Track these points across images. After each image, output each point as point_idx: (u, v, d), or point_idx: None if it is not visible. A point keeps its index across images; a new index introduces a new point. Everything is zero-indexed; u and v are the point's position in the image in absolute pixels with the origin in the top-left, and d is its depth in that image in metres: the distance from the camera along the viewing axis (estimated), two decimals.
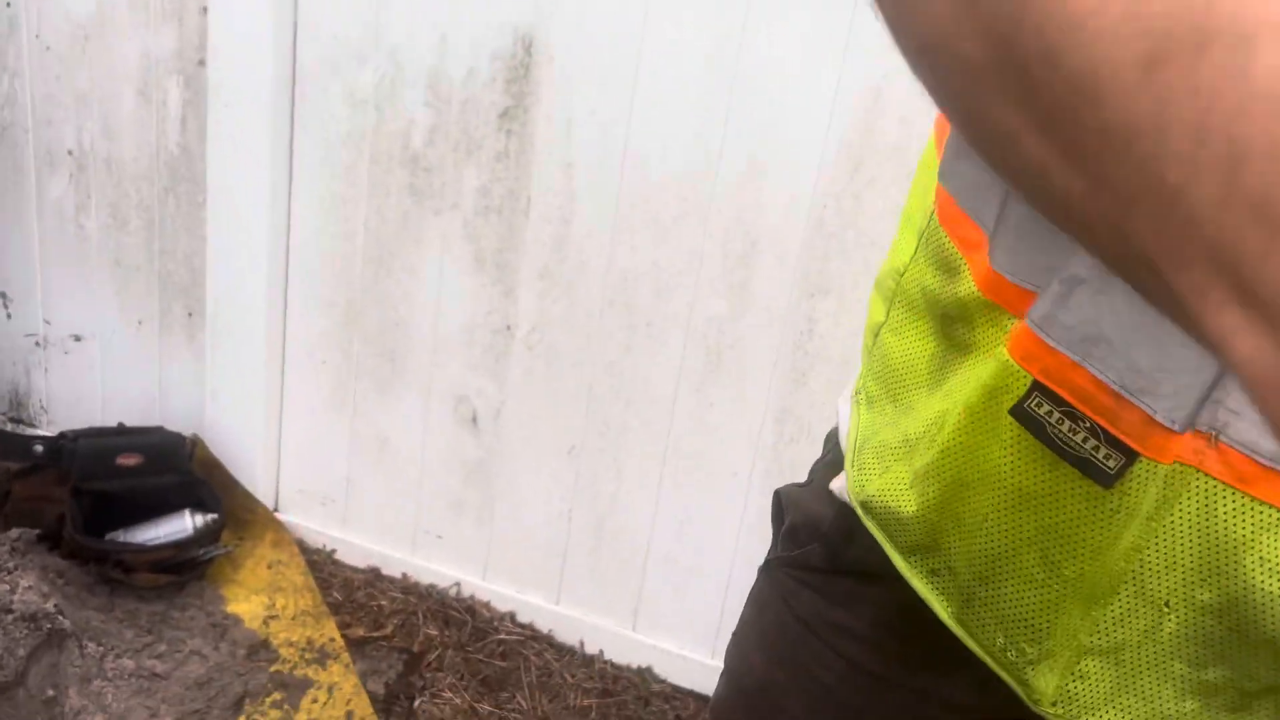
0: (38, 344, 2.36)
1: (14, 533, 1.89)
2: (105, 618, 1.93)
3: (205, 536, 2.03)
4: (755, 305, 1.75)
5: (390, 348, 2.04)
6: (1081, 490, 0.53)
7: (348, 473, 2.16)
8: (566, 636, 2.07)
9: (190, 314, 2.17)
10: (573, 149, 1.77)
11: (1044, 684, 0.59)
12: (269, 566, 2.15)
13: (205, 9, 1.90)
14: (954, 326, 0.61)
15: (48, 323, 2.33)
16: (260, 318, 2.06)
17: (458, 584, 2.14)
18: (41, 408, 2.40)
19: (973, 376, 0.57)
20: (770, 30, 1.60)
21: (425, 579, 2.15)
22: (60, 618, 1.76)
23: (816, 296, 1.70)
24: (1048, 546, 0.56)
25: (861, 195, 1.65)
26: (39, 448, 1.96)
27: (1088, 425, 0.51)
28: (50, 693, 1.74)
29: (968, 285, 0.59)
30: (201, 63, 1.96)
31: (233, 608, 2.04)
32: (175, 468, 2.06)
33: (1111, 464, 0.51)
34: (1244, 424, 0.49)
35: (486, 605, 2.12)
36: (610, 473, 1.94)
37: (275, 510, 2.23)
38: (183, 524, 2.04)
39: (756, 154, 1.67)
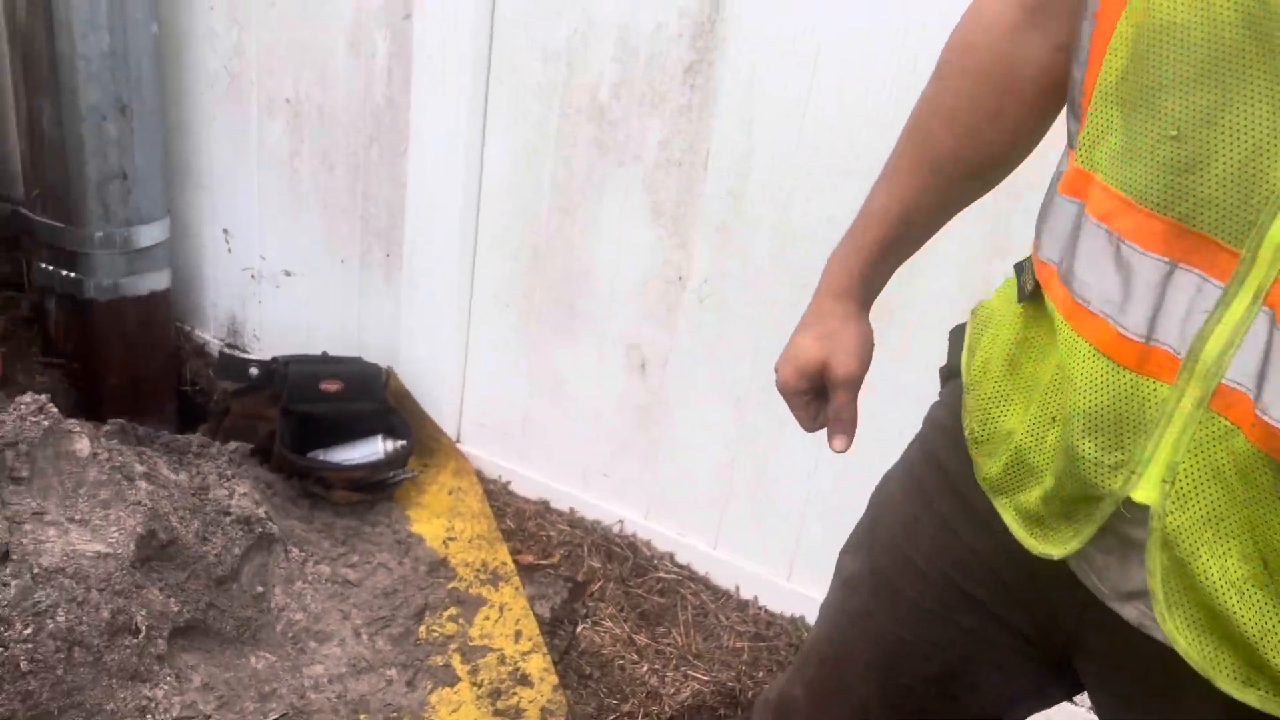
0: (253, 277, 2.59)
1: (231, 445, 2.11)
2: (306, 528, 2.14)
3: (395, 461, 2.21)
4: (930, 265, 1.74)
5: (569, 294, 2.14)
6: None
7: (525, 410, 2.29)
8: (723, 580, 2.14)
9: (388, 255, 2.33)
10: (754, 105, 1.80)
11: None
12: (449, 493, 2.32)
13: None
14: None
15: (262, 258, 2.55)
16: (452, 261, 2.20)
17: (621, 521, 2.24)
18: (255, 336, 2.64)
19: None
20: None
21: (591, 515, 2.27)
22: (270, 523, 1.97)
23: (995, 259, 1.68)
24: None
25: (1045, 152, 1.61)
26: (254, 370, 2.18)
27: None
28: (259, 589, 1.94)
29: None
30: (408, 17, 2.09)
31: (416, 528, 2.22)
32: (371, 396, 2.24)
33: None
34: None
35: (647, 544, 2.21)
36: (773, 424, 1.98)
37: (457, 441, 2.39)
38: (375, 448, 2.22)
39: None
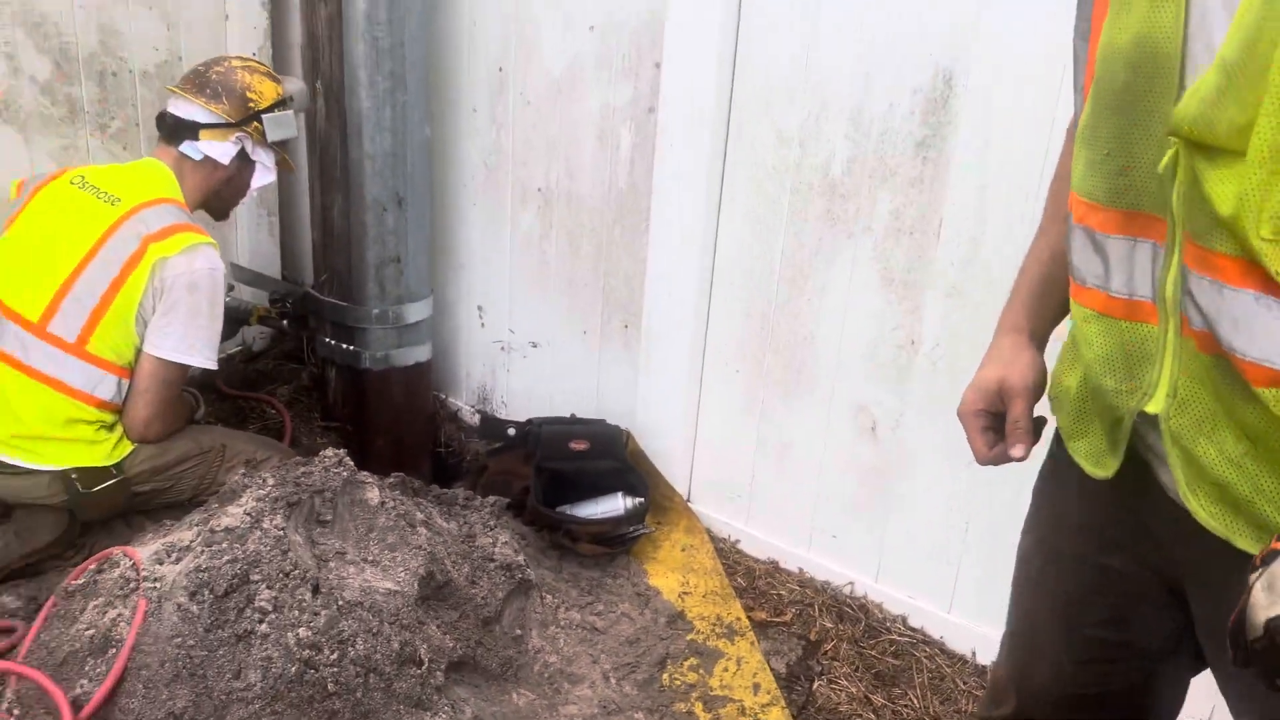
0: (503, 349, 2.84)
1: (490, 499, 2.31)
2: (555, 576, 2.30)
3: (634, 517, 2.35)
4: None
5: (798, 359, 2.24)
6: None
7: (753, 471, 2.39)
8: (958, 644, 2.13)
9: (626, 326, 2.52)
10: (987, 173, 1.87)
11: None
12: (682, 549, 2.43)
13: (659, 64, 2.23)
14: None
15: (511, 331, 2.80)
16: (686, 330, 2.35)
17: (851, 583, 2.28)
18: (502, 402, 2.88)
19: None
20: None
21: (821, 575, 2.32)
22: (528, 570, 2.14)
23: None
24: None
25: None
26: (511, 431, 2.39)
27: None
28: (518, 631, 2.11)
29: None
30: (651, 110, 2.29)
31: (653, 581, 2.34)
32: (613, 455, 2.40)
33: None
34: None
35: (879, 606, 2.24)
36: (1009, 488, 1.99)
37: (688, 500, 2.51)
38: (616, 504, 2.37)
39: None
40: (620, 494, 2.39)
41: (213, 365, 2.20)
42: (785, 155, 2.13)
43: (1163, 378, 0.91)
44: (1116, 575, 1.10)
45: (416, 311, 2.72)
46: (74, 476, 2.13)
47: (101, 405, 2.11)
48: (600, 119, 2.41)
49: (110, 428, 2.16)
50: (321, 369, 2.88)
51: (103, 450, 2.14)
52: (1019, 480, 1.89)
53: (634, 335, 2.50)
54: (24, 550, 2.14)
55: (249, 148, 2.26)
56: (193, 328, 2.12)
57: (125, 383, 2.14)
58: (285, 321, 2.78)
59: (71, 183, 2.15)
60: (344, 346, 2.72)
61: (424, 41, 2.52)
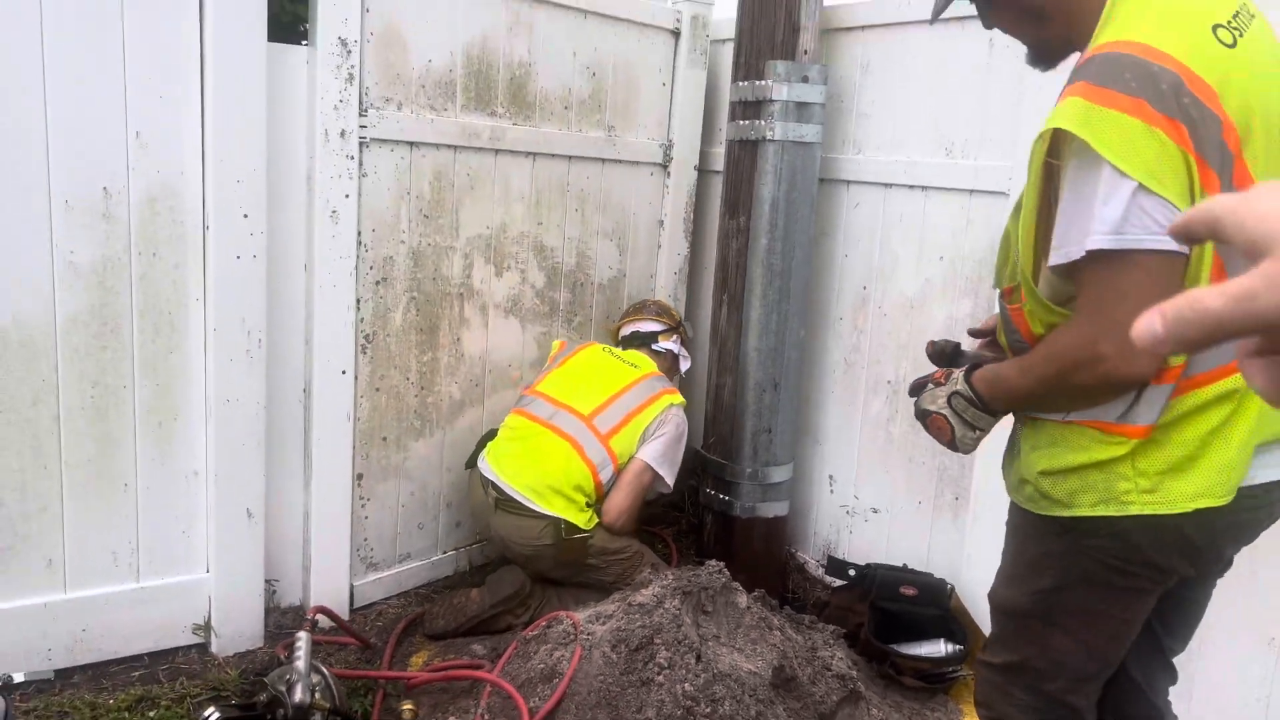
0: (848, 513, 3.39)
1: (830, 627, 2.82)
2: (880, 699, 2.73)
3: (952, 660, 2.74)
4: None
5: None
6: None
7: None
8: None
9: (956, 498, 2.99)
10: None
11: None
12: None
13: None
14: None
15: (856, 498, 3.35)
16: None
17: None
18: (843, 559, 3.39)
19: None
20: None
21: None
22: (859, 683, 2.61)
23: None
24: None
25: None
26: (852, 571, 2.91)
27: None
28: None
29: None
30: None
31: (967, 718, 2.69)
32: (938, 604, 2.83)
33: None
34: None
35: None
36: None
37: None
38: (938, 647, 2.78)
39: None
40: (943, 640, 2.79)
41: (670, 486, 3.16)
42: None
43: None
44: None
45: (779, 474, 3.36)
46: (563, 525, 2.96)
47: (598, 485, 3.03)
48: (945, 328, 2.99)
49: (593, 507, 3.05)
50: (700, 516, 3.58)
51: (585, 517, 2.99)
52: None
53: (963, 506, 2.95)
54: (492, 601, 2.97)
55: (677, 343, 3.26)
56: (671, 451, 3.12)
57: (615, 475, 3.05)
58: None
59: (604, 350, 3.31)
60: (720, 496, 3.41)
61: (807, 265, 3.28)
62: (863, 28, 3.21)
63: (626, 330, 3.52)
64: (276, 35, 2.66)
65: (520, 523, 2.98)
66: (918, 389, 1.77)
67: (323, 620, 2.89)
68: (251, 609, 2.83)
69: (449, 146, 3.07)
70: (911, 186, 3.08)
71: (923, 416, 1.70)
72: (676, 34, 3.71)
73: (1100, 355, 1.34)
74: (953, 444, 1.65)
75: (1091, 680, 1.66)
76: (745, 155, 3.23)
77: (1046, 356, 1.45)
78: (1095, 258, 1.30)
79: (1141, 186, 1.26)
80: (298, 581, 2.99)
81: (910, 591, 2.84)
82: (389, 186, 2.94)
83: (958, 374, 1.64)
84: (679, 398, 3.22)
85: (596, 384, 3.17)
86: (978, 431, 1.63)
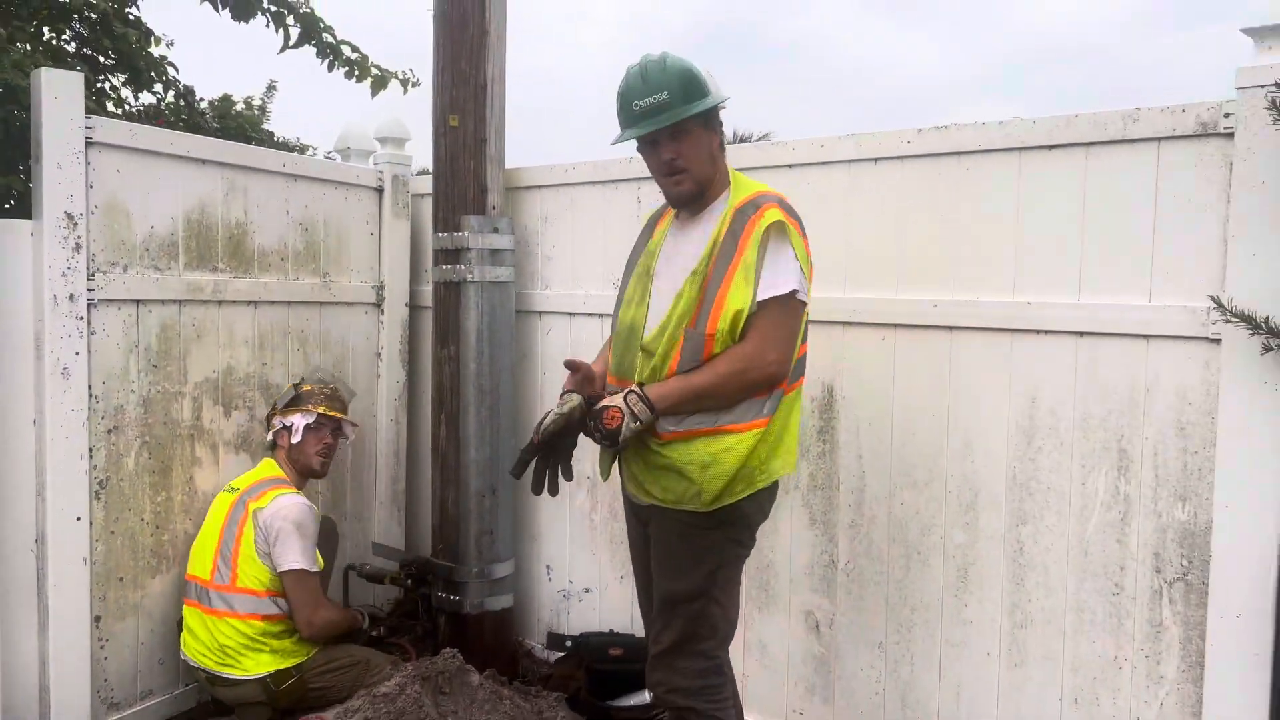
0: (564, 596, 3.89)
1: (554, 694, 3.27)
2: None
3: (656, 705, 3.26)
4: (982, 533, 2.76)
5: (764, 580, 3.25)
6: None
7: (741, 669, 3.32)
8: None
9: None
10: (862, 447, 2.99)
11: None
12: None
13: None
14: None
15: (570, 581, 3.86)
16: None
17: None
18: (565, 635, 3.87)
19: None
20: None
21: None
22: None
23: (1020, 526, 2.68)
24: None
25: (1037, 459, 2.67)
26: (569, 643, 3.39)
27: None
28: None
29: None
30: None
31: None
32: (642, 659, 3.35)
33: None
34: None
35: None
36: (905, 659, 2.92)
37: None
38: (644, 697, 3.29)
39: (971, 438, 2.78)
40: (647, 690, 3.32)
41: (318, 563, 3.36)
42: None
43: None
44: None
45: (503, 569, 3.81)
46: (268, 679, 3.19)
47: (270, 620, 3.25)
48: None
49: (288, 635, 3.27)
50: (434, 619, 3.93)
51: (285, 657, 3.22)
52: (920, 651, 2.83)
53: None
54: None
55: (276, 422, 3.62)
56: (294, 545, 3.27)
57: (278, 600, 3.27)
58: (410, 581, 3.89)
59: (224, 491, 3.48)
60: (451, 597, 3.79)
61: (511, 384, 3.81)
62: (540, 186, 3.87)
63: None
64: None
65: (234, 692, 3.24)
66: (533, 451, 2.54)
67: None
68: None
69: (174, 301, 3.35)
70: (590, 314, 3.73)
71: (598, 414, 2.32)
72: (380, 191, 4.21)
73: (768, 360, 2.25)
74: (617, 432, 2.28)
75: (731, 635, 2.44)
76: (450, 294, 3.75)
77: (730, 358, 2.26)
78: (779, 298, 2.24)
79: (801, 266, 2.30)
80: None
81: (618, 652, 3.36)
82: (118, 342, 3.18)
83: (630, 386, 2.34)
84: (268, 494, 3.31)
85: (206, 541, 3.35)
86: (638, 423, 2.28)
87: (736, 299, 2.25)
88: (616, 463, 2.57)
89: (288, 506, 3.31)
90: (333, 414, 3.60)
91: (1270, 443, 2.31)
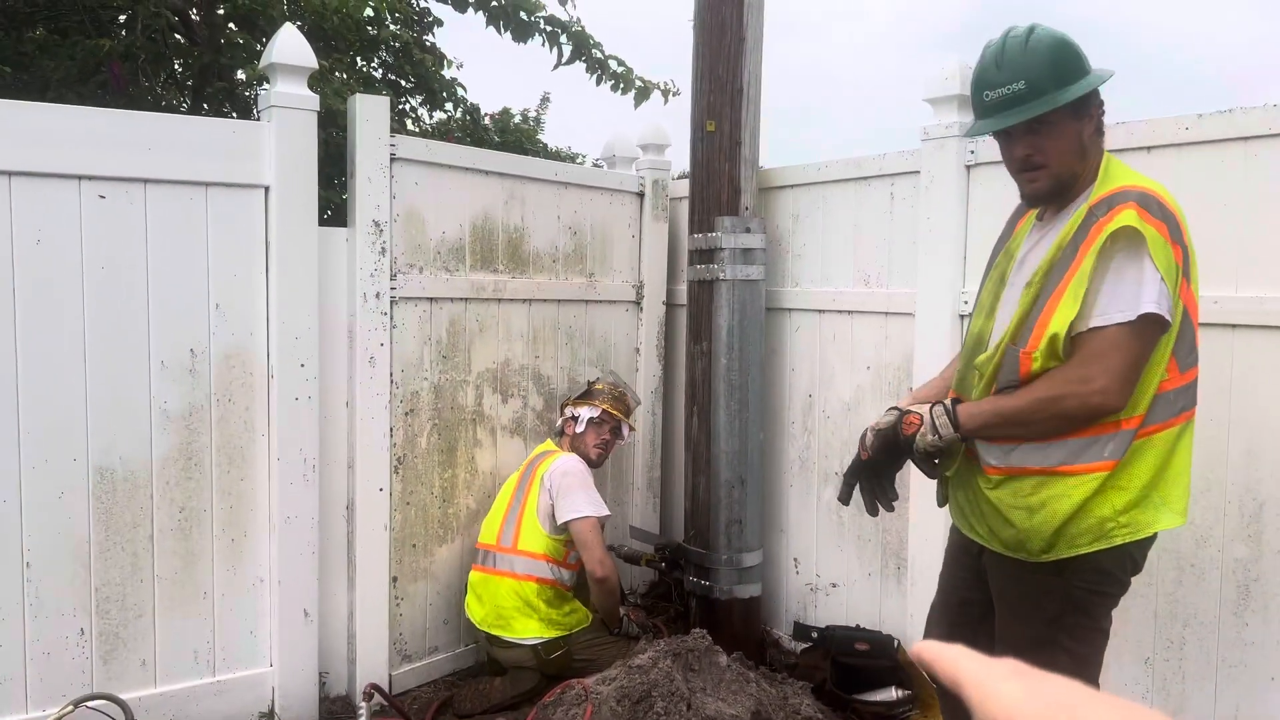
0: (811, 589, 3.94)
1: (800, 682, 3.34)
2: None
3: (902, 703, 3.26)
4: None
5: None
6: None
7: None
8: None
9: (899, 568, 3.56)
10: None
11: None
12: None
13: (910, 388, 3.44)
14: None
15: (817, 575, 3.91)
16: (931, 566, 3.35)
17: None
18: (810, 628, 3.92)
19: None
20: None
21: None
22: None
23: None
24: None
25: None
26: (814, 634, 3.44)
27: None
28: None
29: None
30: None
31: None
32: (888, 656, 3.37)
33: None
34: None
35: None
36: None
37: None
38: (890, 694, 3.30)
39: (1254, 445, 2.57)
40: (894, 687, 3.32)
41: (606, 510, 3.62)
42: None
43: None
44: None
45: (751, 559, 3.92)
46: (539, 648, 3.48)
47: (550, 585, 3.54)
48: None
49: (569, 601, 3.57)
50: (686, 602, 4.11)
51: (559, 626, 3.50)
52: None
53: (904, 573, 3.52)
54: (513, 693, 3.48)
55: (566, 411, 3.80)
56: (577, 495, 3.56)
57: (556, 565, 3.55)
58: (664, 564, 4.09)
59: (514, 475, 3.86)
60: (702, 583, 3.95)
61: (760, 380, 3.92)
62: (792, 186, 3.95)
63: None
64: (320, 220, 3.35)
65: (510, 654, 3.56)
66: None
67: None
68: (308, 697, 3.32)
69: (461, 299, 3.74)
70: (840, 311, 3.76)
71: (898, 419, 2.19)
72: (641, 195, 4.45)
73: (1092, 388, 1.89)
74: (912, 438, 2.14)
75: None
76: (703, 292, 3.91)
77: (1048, 381, 1.95)
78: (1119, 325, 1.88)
79: (1163, 279, 1.87)
80: (344, 674, 3.49)
81: (864, 647, 3.37)
82: (414, 335, 3.59)
83: (943, 401, 2.15)
84: (551, 457, 3.68)
85: (496, 510, 3.74)
86: (936, 436, 2.10)
87: (1059, 319, 1.94)
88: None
89: (569, 462, 3.65)
90: (615, 413, 3.88)
91: None
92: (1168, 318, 1.89)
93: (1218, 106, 2.66)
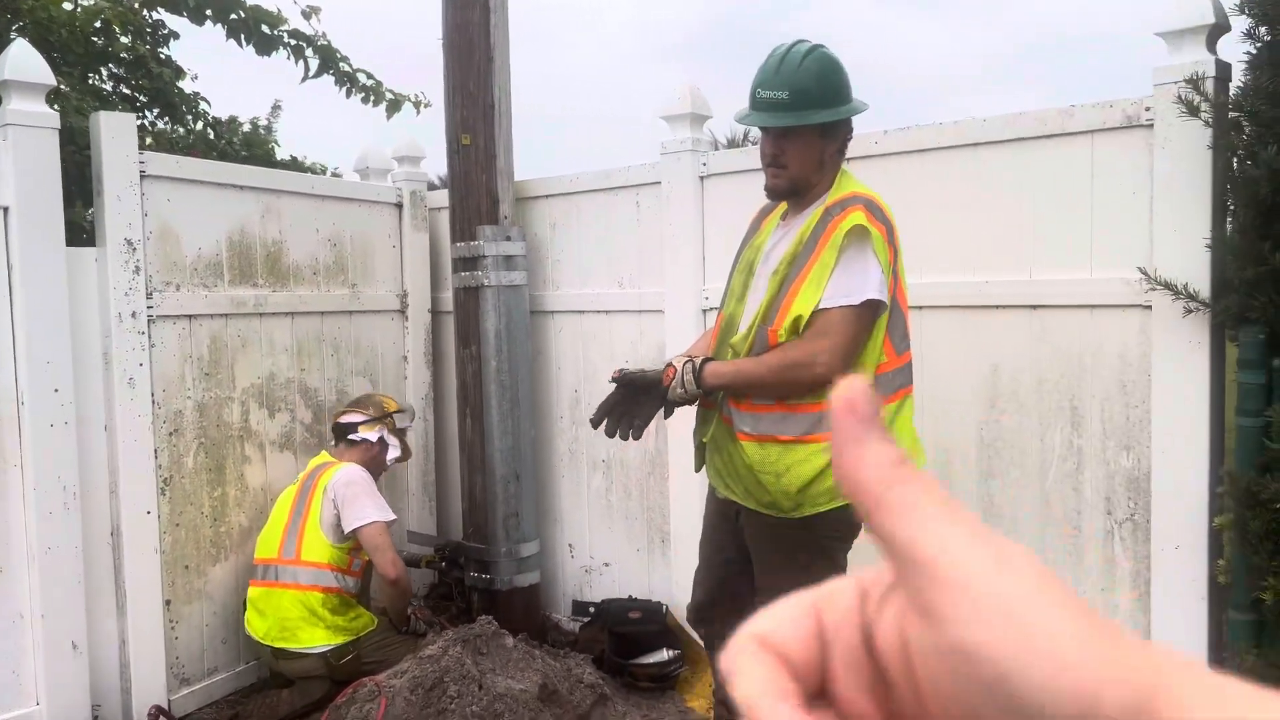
0: (586, 571, 4.22)
1: (581, 656, 3.61)
2: (624, 701, 3.54)
3: (673, 663, 3.60)
4: None
5: None
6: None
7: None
8: None
9: (663, 540, 3.90)
10: None
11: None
12: (708, 685, 3.64)
13: None
14: None
15: (591, 557, 4.20)
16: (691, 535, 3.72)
17: None
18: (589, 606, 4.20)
19: None
20: None
21: None
22: (606, 688, 3.40)
23: None
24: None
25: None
26: (591, 609, 3.72)
27: None
28: None
29: None
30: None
31: (689, 703, 3.55)
32: (658, 621, 3.70)
33: None
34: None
35: None
36: None
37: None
38: (662, 655, 3.63)
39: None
40: (665, 649, 3.65)
41: (392, 514, 3.69)
42: None
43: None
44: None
45: (529, 549, 4.15)
46: (329, 654, 3.54)
47: (335, 593, 3.60)
48: None
49: (353, 608, 3.63)
50: (468, 598, 4.27)
51: (344, 632, 3.57)
52: None
53: (668, 545, 3.88)
54: (303, 702, 3.51)
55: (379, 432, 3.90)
56: (362, 501, 3.61)
57: (339, 575, 3.61)
58: (444, 564, 4.23)
59: (291, 487, 3.83)
60: (483, 576, 4.13)
61: (529, 379, 4.16)
62: (547, 196, 4.22)
63: (334, 424, 3.99)
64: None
65: (296, 665, 3.58)
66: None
67: None
68: None
69: (221, 315, 3.71)
70: (598, 312, 4.07)
71: (663, 370, 2.43)
72: (400, 206, 4.56)
73: (817, 362, 2.20)
74: (668, 387, 2.39)
75: None
76: (469, 299, 4.10)
77: (781, 352, 2.26)
78: (848, 307, 2.21)
79: (883, 272, 2.23)
80: (118, 705, 3.39)
81: (636, 615, 3.69)
82: (174, 353, 3.54)
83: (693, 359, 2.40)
84: (332, 468, 3.66)
85: (275, 524, 3.70)
86: (682, 390, 2.37)
87: (801, 301, 2.25)
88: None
89: (351, 471, 3.68)
90: (389, 413, 3.96)
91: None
92: (886, 302, 2.28)
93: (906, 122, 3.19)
